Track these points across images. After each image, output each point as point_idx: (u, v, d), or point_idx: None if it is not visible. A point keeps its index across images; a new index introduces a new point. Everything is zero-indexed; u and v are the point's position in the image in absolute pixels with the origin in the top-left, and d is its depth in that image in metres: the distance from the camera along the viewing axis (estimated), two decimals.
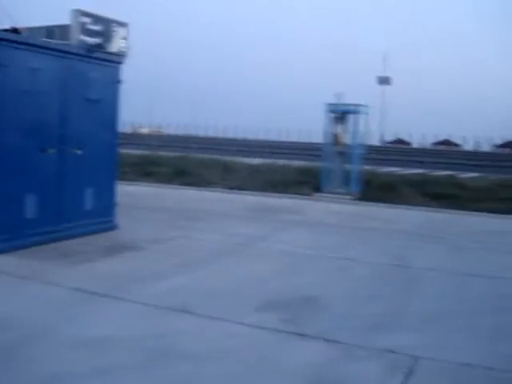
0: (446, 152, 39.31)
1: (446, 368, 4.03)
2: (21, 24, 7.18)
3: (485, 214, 12.06)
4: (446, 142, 57.47)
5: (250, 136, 52.09)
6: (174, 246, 7.68)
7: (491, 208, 12.46)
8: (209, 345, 4.29)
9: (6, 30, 6.68)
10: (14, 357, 3.89)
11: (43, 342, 4.19)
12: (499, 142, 53.06)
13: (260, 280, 6.23)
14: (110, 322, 4.71)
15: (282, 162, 20.77)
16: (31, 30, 7.34)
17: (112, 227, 8.20)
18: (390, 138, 61.44)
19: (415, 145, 56.56)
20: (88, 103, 7.70)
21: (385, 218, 11.16)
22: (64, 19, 7.58)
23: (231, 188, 14.58)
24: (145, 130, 63.32)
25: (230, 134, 56.76)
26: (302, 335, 4.54)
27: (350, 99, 14.70)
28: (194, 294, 5.55)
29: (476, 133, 53.71)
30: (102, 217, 8.08)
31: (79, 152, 7.57)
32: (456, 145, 56.18)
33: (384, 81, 65.80)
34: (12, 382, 3.56)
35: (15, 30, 6.76)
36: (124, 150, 17.42)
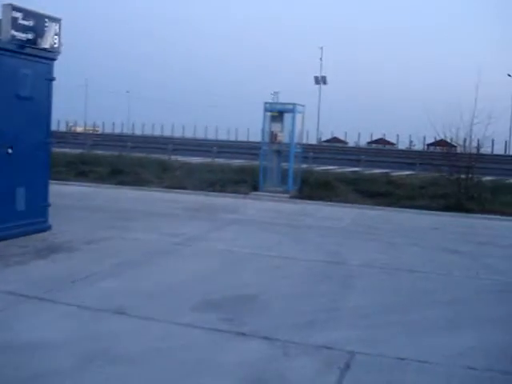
0: (380, 150, 40.14)
1: (382, 363, 4.12)
2: None
3: (417, 210, 12.42)
4: (381, 141, 58.72)
5: (188, 134, 51.82)
6: (109, 246, 7.54)
7: (423, 205, 12.85)
8: (145, 346, 4.24)
9: None
10: None
11: None
12: (431, 140, 54.62)
13: (197, 280, 6.20)
14: (43, 325, 4.58)
15: (220, 160, 20.78)
16: None
17: (45, 228, 7.99)
18: (326, 136, 62.33)
19: (351, 143, 57.58)
20: (19, 100, 7.46)
21: (321, 216, 11.33)
22: None
23: (169, 187, 14.47)
24: (79, 129, 61.98)
25: (168, 133, 56.24)
26: (239, 334, 4.54)
27: (287, 98, 14.91)
28: (130, 295, 5.48)
29: (409, 131, 55.16)
30: (35, 217, 7.86)
31: (9, 151, 7.33)
32: (390, 143, 57.46)
33: (320, 80, 66.71)
34: None
35: None
36: (58, 149, 17.06)
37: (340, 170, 20.45)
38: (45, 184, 8.06)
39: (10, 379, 3.59)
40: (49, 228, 8.05)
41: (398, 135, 56.51)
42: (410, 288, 6.29)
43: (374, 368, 4.03)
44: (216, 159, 21.81)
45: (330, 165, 22.93)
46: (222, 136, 54.21)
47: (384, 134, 59.77)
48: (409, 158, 27.38)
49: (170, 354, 4.12)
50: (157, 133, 57.11)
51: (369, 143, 58.06)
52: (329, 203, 13.11)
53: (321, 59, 65.54)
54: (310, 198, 13.63)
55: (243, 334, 4.54)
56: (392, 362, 4.12)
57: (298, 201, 13.43)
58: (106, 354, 4.04)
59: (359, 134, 59.21)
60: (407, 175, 19.52)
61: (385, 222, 11.06)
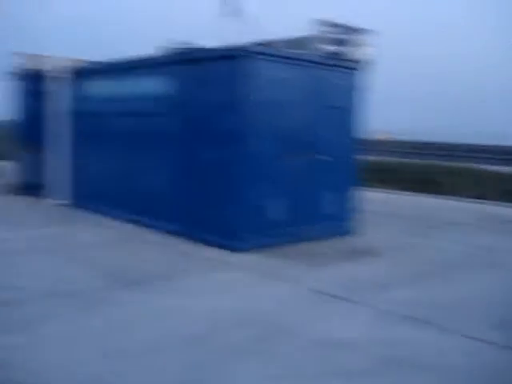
0: None
1: None
2: (267, 36, 7.68)
3: None
4: None
5: (496, 142, 48.90)
6: (412, 254, 7.56)
7: None
8: (442, 359, 4.14)
9: (258, 44, 7.16)
10: (257, 351, 4.15)
11: (284, 339, 4.40)
12: None
13: (501, 297, 5.87)
14: (348, 325, 4.79)
15: None
16: (276, 42, 7.80)
17: (349, 232, 8.33)
18: None
19: None
20: (331, 110, 7.96)
21: None
22: (301, 29, 7.89)
23: (468, 197, 13.81)
24: (379, 136, 62.88)
25: (468, 141, 53.85)
26: None
27: None
28: (430, 304, 5.41)
29: None
30: (340, 221, 8.26)
31: (321, 157, 7.84)
32: None
33: None
34: (257, 374, 3.79)
35: (265, 44, 7.23)
36: (364, 157, 17.55)
37: None
38: (351, 189, 8.41)
39: (319, 372, 3.83)
40: (352, 232, 8.37)
41: None
42: None
43: None
44: None
45: None
46: None
47: None
48: None
49: (465, 370, 3.97)
50: (458, 141, 55.17)
51: None
52: None
53: None
54: None
55: None
56: None
57: None
58: (405, 361, 4.06)
59: None
60: None
61: None
